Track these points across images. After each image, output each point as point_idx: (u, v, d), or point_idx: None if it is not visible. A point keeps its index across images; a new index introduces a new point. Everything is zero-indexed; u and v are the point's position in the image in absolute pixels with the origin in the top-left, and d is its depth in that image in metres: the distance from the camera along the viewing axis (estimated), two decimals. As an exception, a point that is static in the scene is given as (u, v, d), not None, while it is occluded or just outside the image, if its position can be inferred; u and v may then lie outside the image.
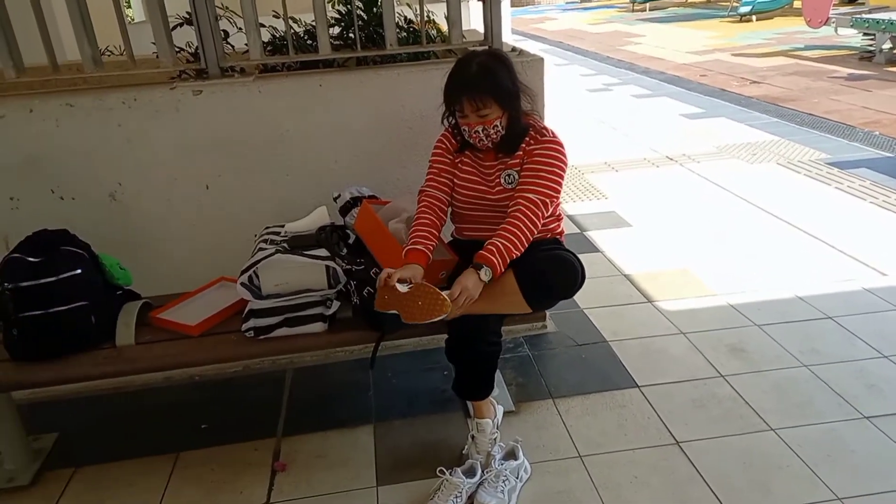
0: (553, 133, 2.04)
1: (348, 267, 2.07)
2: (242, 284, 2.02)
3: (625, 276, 3.34)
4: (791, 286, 3.11)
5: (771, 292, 3.07)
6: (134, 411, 2.52)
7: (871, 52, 9.34)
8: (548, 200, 1.97)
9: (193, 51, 2.64)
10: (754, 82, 8.46)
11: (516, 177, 2.03)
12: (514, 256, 1.90)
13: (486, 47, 2.44)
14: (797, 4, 13.79)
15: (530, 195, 1.95)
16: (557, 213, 2.14)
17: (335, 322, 2.09)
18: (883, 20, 8.96)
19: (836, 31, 10.67)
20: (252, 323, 2.05)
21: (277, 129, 2.48)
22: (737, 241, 3.66)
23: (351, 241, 2.22)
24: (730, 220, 3.97)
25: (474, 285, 1.84)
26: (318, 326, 2.05)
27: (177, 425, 2.41)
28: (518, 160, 2.04)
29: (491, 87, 1.91)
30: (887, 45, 9.00)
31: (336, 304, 2.08)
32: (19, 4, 2.42)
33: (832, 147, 5.30)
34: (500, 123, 1.96)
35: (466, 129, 1.97)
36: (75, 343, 2.05)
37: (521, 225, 1.92)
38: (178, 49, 2.61)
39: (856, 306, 2.89)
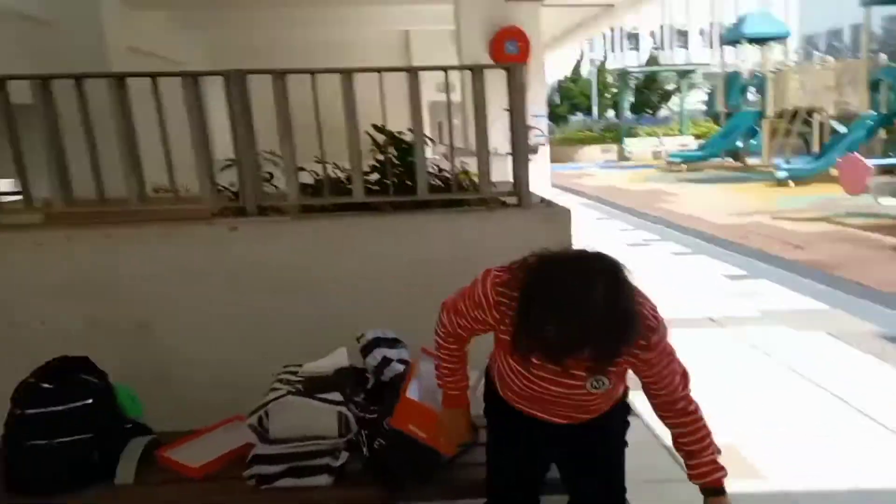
0: (662, 330, 1.69)
1: (361, 414, 1.97)
2: (250, 426, 1.95)
3: (664, 446, 3.09)
4: (849, 476, 2.81)
5: (826, 481, 2.78)
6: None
7: (915, 221, 9.29)
8: (688, 382, 1.81)
9: (235, 190, 2.74)
10: (797, 247, 8.40)
11: (607, 382, 1.67)
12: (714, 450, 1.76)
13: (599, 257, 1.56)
14: (833, 171, 14.00)
15: (681, 401, 1.80)
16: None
17: (343, 475, 1.96)
18: (924, 191, 8.99)
19: (875, 199, 10.70)
20: (255, 470, 1.93)
21: (307, 269, 2.51)
22: (787, 417, 3.39)
23: (370, 385, 2.13)
24: (778, 393, 3.71)
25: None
26: (324, 479, 1.92)
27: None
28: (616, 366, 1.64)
29: (624, 350, 1.52)
30: (930, 216, 8.96)
31: (345, 455, 1.96)
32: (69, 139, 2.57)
33: (885, 319, 5.05)
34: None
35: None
36: (74, 477, 1.96)
37: (699, 427, 1.78)
38: (220, 188, 2.71)
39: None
